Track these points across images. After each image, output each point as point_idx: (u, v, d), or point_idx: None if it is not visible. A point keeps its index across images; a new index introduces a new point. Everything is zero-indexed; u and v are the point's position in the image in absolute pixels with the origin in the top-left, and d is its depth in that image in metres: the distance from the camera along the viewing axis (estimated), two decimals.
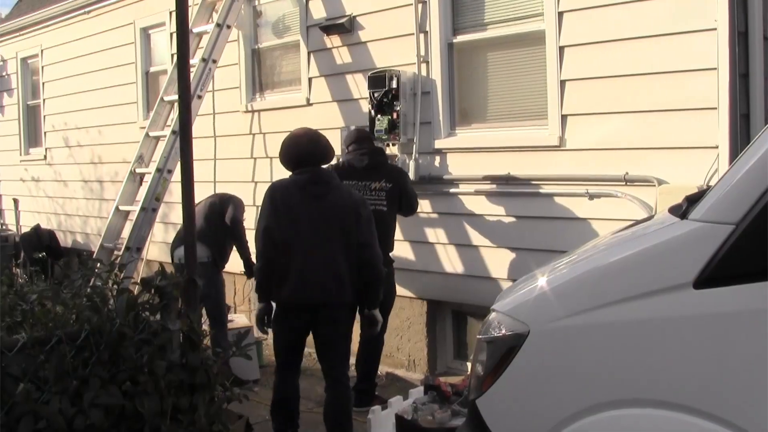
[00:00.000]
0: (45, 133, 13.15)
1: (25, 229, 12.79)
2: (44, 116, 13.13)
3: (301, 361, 5.58)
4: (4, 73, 14.45)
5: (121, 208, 8.30)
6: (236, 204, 7.42)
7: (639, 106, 5.89)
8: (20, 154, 13.98)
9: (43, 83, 13.12)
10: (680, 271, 2.70)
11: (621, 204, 5.99)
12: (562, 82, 6.31)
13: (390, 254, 6.61)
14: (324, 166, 5.52)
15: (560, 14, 6.30)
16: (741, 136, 5.40)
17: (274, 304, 5.41)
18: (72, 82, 12.20)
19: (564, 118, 6.32)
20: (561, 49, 6.30)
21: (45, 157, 13.12)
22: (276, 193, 5.34)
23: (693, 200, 2.98)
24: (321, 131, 5.26)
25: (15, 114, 14.08)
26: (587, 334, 2.89)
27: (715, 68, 5.42)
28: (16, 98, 14.07)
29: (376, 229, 5.54)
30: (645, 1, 5.82)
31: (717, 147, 5.44)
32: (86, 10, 11.69)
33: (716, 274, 2.64)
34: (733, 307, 2.62)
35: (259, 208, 5.55)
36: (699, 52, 5.53)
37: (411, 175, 7.15)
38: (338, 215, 5.29)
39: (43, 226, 12.53)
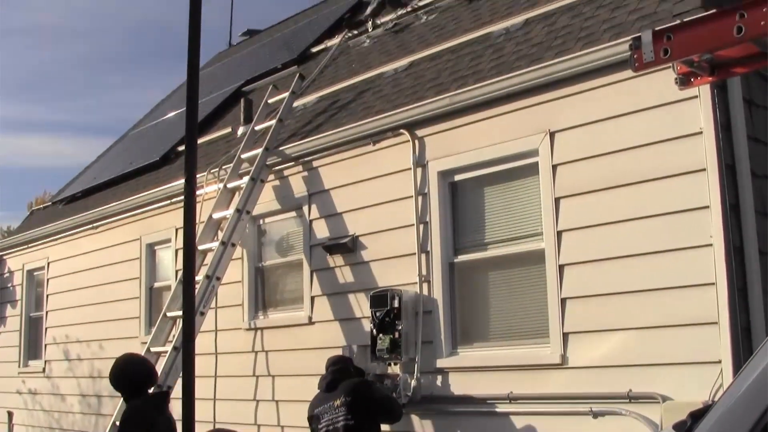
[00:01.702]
0: (45, 345, 13.10)
1: None
2: (46, 328, 13.12)
3: None
4: (9, 285, 14.56)
5: (119, 423, 8.14)
6: None
7: (640, 323, 5.91)
8: (19, 366, 13.86)
9: (47, 295, 13.19)
10: None
11: (625, 422, 5.88)
12: (563, 300, 6.36)
13: None
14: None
15: (559, 233, 6.44)
16: (743, 349, 5.40)
17: None
18: (76, 295, 12.27)
19: (566, 336, 6.33)
20: (561, 267, 6.40)
21: (44, 369, 13.01)
22: (149, 416, 5.77)
23: (697, 416, 2.96)
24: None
25: (17, 325, 14.08)
26: None
27: (713, 283, 5.50)
28: (19, 310, 14.12)
29: None
30: (642, 219, 5.97)
31: (720, 362, 5.42)
32: (94, 225, 11.94)
33: None
34: None
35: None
36: (697, 267, 5.62)
37: (412, 395, 7.10)
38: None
39: None
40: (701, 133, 5.69)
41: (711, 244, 5.55)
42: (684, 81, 4.55)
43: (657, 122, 5.95)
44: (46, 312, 13.18)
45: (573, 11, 7.33)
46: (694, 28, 4.21)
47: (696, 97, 5.70)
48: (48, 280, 13.22)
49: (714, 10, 4.37)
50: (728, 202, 5.59)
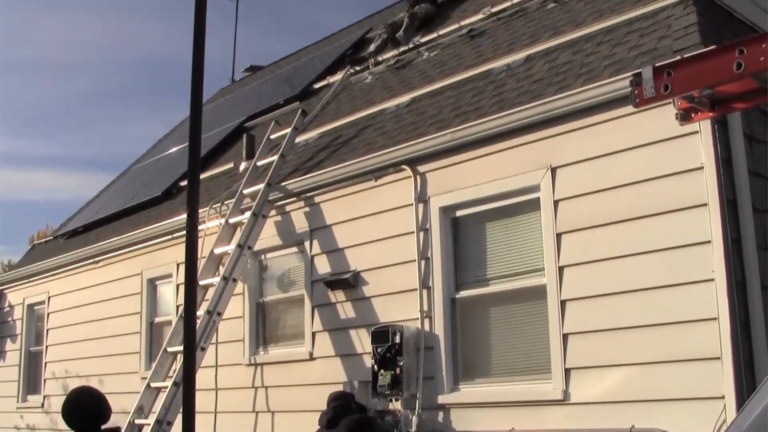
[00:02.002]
0: (45, 380, 13.04)
1: None
2: (45, 363, 13.07)
3: None
4: (9, 319, 14.52)
5: None
6: None
7: (643, 358, 5.88)
8: (17, 401, 13.78)
9: (47, 330, 13.15)
10: None
11: None
12: (565, 336, 6.34)
13: None
14: None
15: (561, 269, 6.43)
16: (746, 384, 5.37)
17: None
18: (76, 329, 12.24)
19: (568, 371, 6.30)
20: (563, 302, 6.39)
21: (42, 404, 12.94)
22: None
23: None
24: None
25: (16, 360, 14.02)
26: None
27: (715, 318, 5.49)
28: (19, 344, 14.07)
29: None
30: (644, 254, 5.97)
31: (723, 397, 5.40)
32: (95, 259, 11.94)
33: None
34: None
35: None
36: (699, 302, 5.61)
37: (414, 431, 7.05)
38: None
39: None
40: (702, 168, 5.70)
41: (713, 279, 5.55)
42: (685, 116, 4.58)
43: (658, 157, 5.97)
44: (46, 346, 13.14)
45: (574, 48, 7.38)
46: (694, 64, 4.24)
47: (697, 132, 5.72)
48: (48, 314, 13.20)
49: (714, 47, 4.41)
50: (730, 237, 5.59)
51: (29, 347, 13.89)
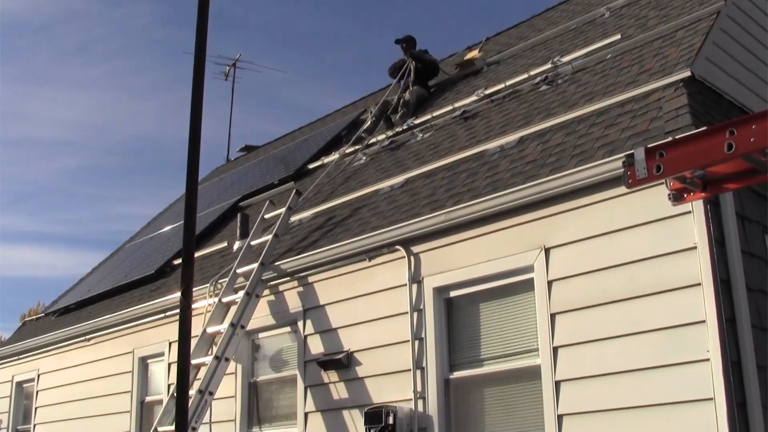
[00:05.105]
0: None
1: None
2: None
3: None
4: None
5: None
6: None
7: None
8: None
9: (36, 408, 12.98)
10: None
11: None
12: (560, 417, 6.28)
13: None
14: None
15: (555, 349, 6.40)
16: None
17: None
18: (65, 408, 12.09)
19: None
20: (557, 383, 6.34)
21: None
22: None
23: None
24: None
25: None
26: None
27: (711, 398, 5.44)
28: (6, 422, 13.86)
29: None
30: (638, 335, 5.93)
31: None
32: (87, 337, 11.85)
33: None
34: None
35: None
36: (694, 383, 5.57)
37: None
38: None
39: None
40: (695, 248, 5.73)
41: (708, 359, 5.52)
42: (677, 197, 4.60)
43: (651, 238, 6.00)
44: (34, 425, 12.96)
45: (567, 129, 7.47)
46: (685, 146, 4.28)
47: (689, 212, 5.77)
48: (37, 392, 13.04)
49: (705, 128, 4.46)
50: (724, 317, 5.58)
51: (17, 425, 13.69)
